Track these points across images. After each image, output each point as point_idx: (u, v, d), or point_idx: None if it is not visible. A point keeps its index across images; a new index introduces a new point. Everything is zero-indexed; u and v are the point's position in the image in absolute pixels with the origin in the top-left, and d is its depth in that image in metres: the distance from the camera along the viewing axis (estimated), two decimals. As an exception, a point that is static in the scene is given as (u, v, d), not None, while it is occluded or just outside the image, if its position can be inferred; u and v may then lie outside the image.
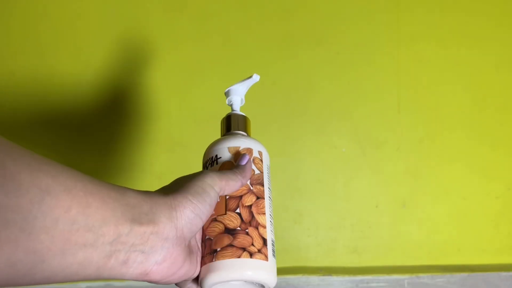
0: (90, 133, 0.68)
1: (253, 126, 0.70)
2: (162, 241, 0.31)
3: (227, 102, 0.47)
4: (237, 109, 0.46)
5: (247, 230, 0.36)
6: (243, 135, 0.44)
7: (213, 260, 0.35)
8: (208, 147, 0.42)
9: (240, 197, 0.38)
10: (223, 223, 0.36)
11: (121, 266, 0.29)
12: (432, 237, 0.68)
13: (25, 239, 0.24)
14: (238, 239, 0.36)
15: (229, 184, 0.36)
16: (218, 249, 0.35)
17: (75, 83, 0.69)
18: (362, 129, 0.69)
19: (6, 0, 0.69)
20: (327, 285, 0.66)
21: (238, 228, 0.36)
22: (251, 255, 0.35)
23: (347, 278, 0.66)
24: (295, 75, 0.70)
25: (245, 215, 0.37)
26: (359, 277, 0.66)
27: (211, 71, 0.70)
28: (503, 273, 0.66)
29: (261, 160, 0.41)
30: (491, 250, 0.68)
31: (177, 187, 0.34)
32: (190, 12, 0.70)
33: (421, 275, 0.66)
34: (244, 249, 0.35)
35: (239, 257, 0.35)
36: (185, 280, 0.36)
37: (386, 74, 0.70)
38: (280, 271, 0.67)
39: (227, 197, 0.38)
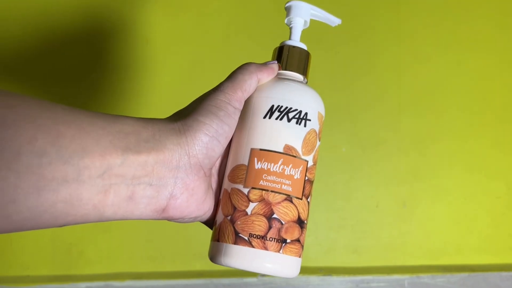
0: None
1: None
2: (173, 170, 0.27)
3: (285, 22, 0.36)
4: (296, 38, 0.35)
5: (306, 226, 0.32)
6: (300, 82, 0.35)
7: (280, 251, 0.30)
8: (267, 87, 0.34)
9: (312, 182, 0.32)
10: (297, 210, 0.31)
11: (127, 203, 0.26)
12: (432, 237, 0.68)
13: None
14: (303, 235, 0.31)
15: (246, 90, 0.32)
16: (288, 241, 0.30)
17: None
18: (362, 129, 0.69)
19: None
20: (327, 285, 0.66)
21: (305, 222, 0.32)
22: (300, 255, 0.31)
23: (347, 278, 0.66)
24: (295, 75, 0.70)
25: (308, 206, 0.32)
26: (359, 277, 0.66)
27: (210, 70, 0.70)
28: (504, 273, 0.66)
29: (320, 132, 0.33)
30: (492, 250, 0.68)
31: (187, 112, 0.30)
32: (189, 11, 0.70)
33: (421, 275, 0.66)
34: (302, 248, 0.31)
35: (299, 256, 0.31)
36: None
37: (387, 74, 0.70)
38: (280, 271, 0.67)
39: (306, 178, 0.32)
